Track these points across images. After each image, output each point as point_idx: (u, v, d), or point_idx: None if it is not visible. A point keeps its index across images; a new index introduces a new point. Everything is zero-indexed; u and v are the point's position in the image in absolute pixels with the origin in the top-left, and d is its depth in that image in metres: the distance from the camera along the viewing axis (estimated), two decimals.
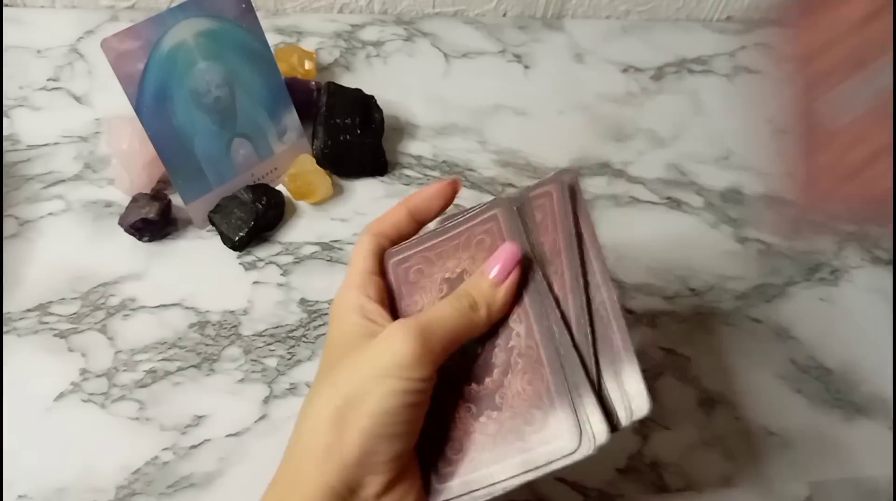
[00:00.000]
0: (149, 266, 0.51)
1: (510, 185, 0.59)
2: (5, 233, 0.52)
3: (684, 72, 0.70)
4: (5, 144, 0.56)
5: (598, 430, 0.29)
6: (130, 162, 0.52)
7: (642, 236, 0.57)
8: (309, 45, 0.67)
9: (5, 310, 0.48)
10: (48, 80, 0.61)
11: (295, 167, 0.55)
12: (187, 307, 0.49)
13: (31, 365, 0.46)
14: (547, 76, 0.68)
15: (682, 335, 0.52)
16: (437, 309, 0.32)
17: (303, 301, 0.51)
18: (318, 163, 0.56)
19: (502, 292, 0.32)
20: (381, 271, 0.36)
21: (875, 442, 0.47)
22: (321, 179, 0.55)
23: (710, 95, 0.68)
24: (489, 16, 0.73)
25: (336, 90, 0.58)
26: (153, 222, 0.51)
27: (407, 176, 0.59)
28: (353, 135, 0.56)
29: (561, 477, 0.44)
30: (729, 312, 0.53)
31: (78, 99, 0.60)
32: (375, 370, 0.30)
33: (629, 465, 0.45)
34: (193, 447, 0.44)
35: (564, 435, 0.30)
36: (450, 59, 0.68)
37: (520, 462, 0.31)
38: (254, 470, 0.43)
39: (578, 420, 0.30)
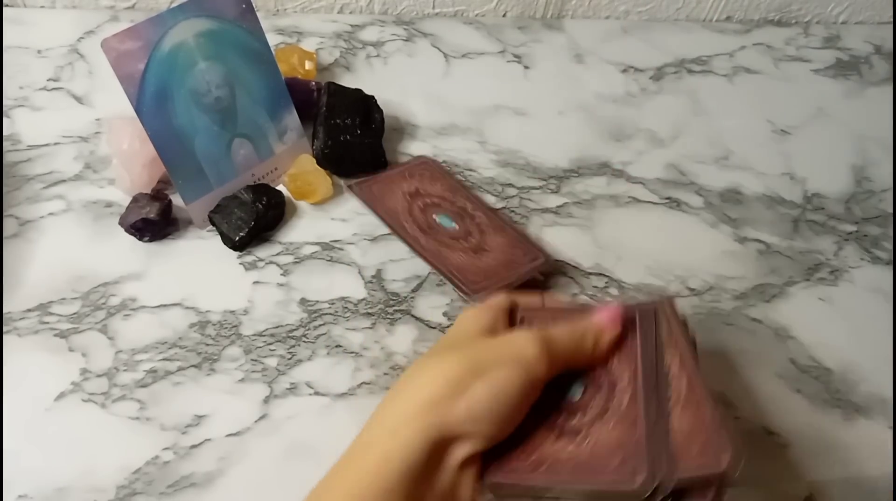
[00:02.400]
0: (149, 266, 0.51)
1: (510, 185, 0.59)
2: (6, 233, 0.52)
3: (684, 72, 0.70)
4: (6, 144, 0.57)
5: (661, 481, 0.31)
6: (131, 162, 0.52)
7: (642, 236, 0.57)
8: (309, 45, 0.67)
9: (6, 310, 0.48)
10: (49, 80, 0.61)
11: (295, 167, 0.56)
12: (188, 307, 0.49)
13: (32, 365, 0.46)
14: (547, 76, 0.68)
15: None
16: (557, 329, 0.36)
17: (303, 301, 0.51)
18: (319, 163, 0.56)
19: (608, 335, 0.37)
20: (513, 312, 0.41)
21: (875, 442, 0.47)
22: (321, 179, 0.55)
23: (710, 95, 0.68)
24: (489, 16, 0.73)
25: (336, 90, 0.58)
26: (153, 222, 0.51)
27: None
28: (354, 135, 0.56)
29: None
30: (728, 312, 0.53)
31: (78, 99, 0.60)
32: (505, 354, 0.34)
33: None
34: (194, 446, 0.44)
35: (633, 482, 0.32)
36: (450, 60, 0.68)
37: (575, 489, 0.33)
38: (254, 470, 0.43)
39: (651, 466, 0.32)
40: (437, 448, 0.31)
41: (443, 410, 0.32)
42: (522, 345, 0.34)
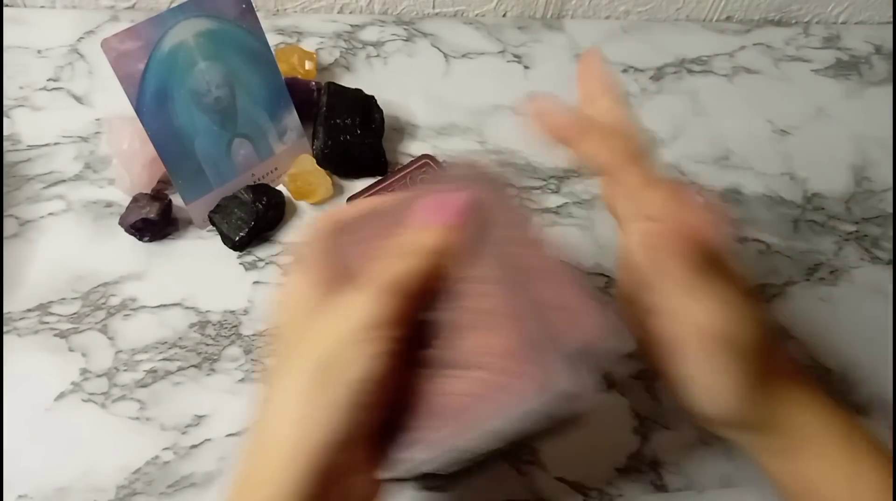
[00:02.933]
0: (149, 266, 0.51)
1: (510, 185, 0.59)
2: (6, 233, 0.52)
3: (684, 72, 0.70)
4: (6, 144, 0.57)
5: (561, 382, 0.28)
6: (131, 162, 0.52)
7: None
8: (309, 45, 0.67)
9: (6, 310, 0.48)
10: (48, 80, 0.61)
11: (295, 167, 0.56)
12: (188, 307, 0.49)
13: (32, 365, 0.46)
14: (547, 76, 0.68)
15: None
16: (385, 262, 0.30)
17: None
18: (319, 163, 0.56)
19: (443, 232, 0.31)
20: (331, 255, 0.34)
21: None
22: (321, 179, 0.55)
23: (710, 95, 0.68)
24: (489, 16, 0.73)
25: (336, 90, 0.58)
26: (153, 222, 0.51)
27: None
28: (354, 135, 0.56)
29: (560, 477, 0.44)
30: None
31: (78, 99, 0.60)
32: (345, 336, 0.27)
33: (629, 465, 0.45)
34: (194, 446, 0.44)
35: (542, 376, 0.28)
36: (450, 60, 0.68)
37: (490, 415, 0.28)
38: None
39: (553, 370, 0.28)
40: (321, 478, 0.27)
41: (307, 444, 0.27)
42: (361, 314, 0.28)
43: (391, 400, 0.30)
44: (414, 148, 0.61)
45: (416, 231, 0.31)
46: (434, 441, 0.29)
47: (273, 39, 0.66)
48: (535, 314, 0.30)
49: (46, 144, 0.57)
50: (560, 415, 0.29)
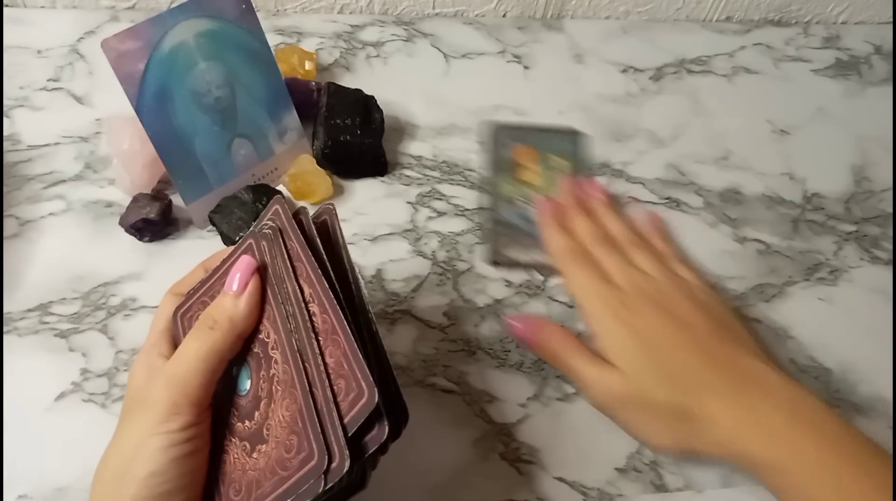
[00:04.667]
0: (149, 266, 0.51)
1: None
2: (6, 233, 0.52)
3: (684, 72, 0.70)
4: (6, 145, 0.57)
5: (342, 448, 0.28)
6: (131, 162, 0.52)
7: None
8: (309, 45, 0.67)
9: (6, 310, 0.48)
10: (48, 80, 0.61)
11: (295, 167, 0.56)
12: None
13: (32, 365, 0.46)
14: (547, 76, 0.68)
15: None
16: (182, 347, 0.31)
17: None
18: (319, 163, 0.56)
19: (244, 301, 0.32)
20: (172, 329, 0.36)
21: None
22: (321, 179, 0.55)
23: (710, 95, 0.68)
24: (489, 16, 0.73)
25: (336, 90, 0.58)
26: (154, 222, 0.51)
27: (407, 176, 0.59)
28: (353, 135, 0.56)
29: (560, 477, 0.45)
30: None
31: (78, 99, 0.60)
32: (136, 434, 0.30)
33: (629, 465, 0.45)
34: None
35: (315, 455, 0.28)
36: (450, 60, 0.68)
37: (282, 492, 0.29)
38: None
39: (326, 439, 0.28)
40: None
41: None
42: (149, 406, 0.30)
43: (216, 475, 0.31)
44: (414, 148, 0.61)
45: (227, 300, 0.32)
46: None
47: (273, 39, 0.66)
48: (321, 382, 0.30)
49: (46, 144, 0.57)
50: (338, 487, 0.29)
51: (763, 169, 0.63)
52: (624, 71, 0.69)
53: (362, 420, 0.28)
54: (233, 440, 0.32)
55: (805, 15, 0.77)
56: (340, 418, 0.29)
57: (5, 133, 0.57)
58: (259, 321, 0.32)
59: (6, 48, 0.63)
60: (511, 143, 0.60)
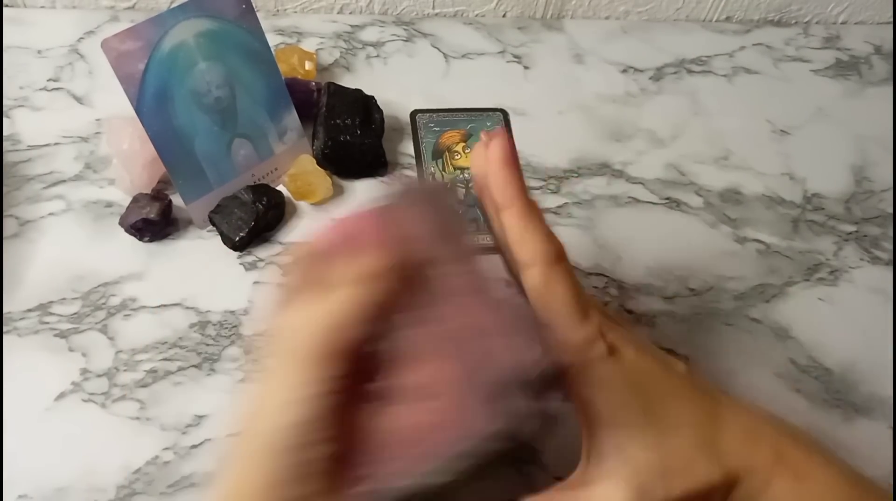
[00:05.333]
0: (149, 266, 0.51)
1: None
2: (6, 233, 0.52)
3: (683, 72, 0.70)
4: (6, 145, 0.57)
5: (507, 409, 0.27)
6: (131, 162, 0.52)
7: (641, 237, 0.57)
8: (309, 45, 0.67)
9: (6, 310, 0.48)
10: (48, 80, 0.61)
11: (295, 167, 0.56)
12: (188, 307, 0.49)
13: (32, 365, 0.46)
14: (547, 76, 0.68)
15: (681, 336, 0.52)
16: (332, 303, 0.30)
17: None
18: (319, 163, 0.56)
19: (375, 256, 0.30)
20: None
21: (875, 442, 0.47)
22: (321, 179, 0.55)
23: (710, 95, 0.68)
24: (489, 16, 0.73)
25: (336, 90, 0.58)
26: (154, 222, 0.51)
27: (407, 176, 0.59)
28: (354, 135, 0.56)
29: (560, 477, 0.44)
30: (728, 312, 0.53)
31: (78, 99, 0.60)
32: (284, 382, 0.29)
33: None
34: (194, 446, 0.44)
35: (476, 421, 0.28)
36: (450, 60, 0.68)
37: (424, 456, 0.28)
38: None
39: (479, 403, 0.28)
40: None
41: (253, 488, 0.28)
42: (295, 357, 0.29)
43: (340, 437, 0.30)
44: (413, 148, 0.61)
45: (343, 267, 0.30)
46: (387, 476, 0.29)
47: (273, 39, 0.66)
48: (473, 339, 0.29)
49: (46, 144, 0.57)
50: (521, 437, 0.28)
51: (763, 169, 0.63)
52: (624, 71, 0.70)
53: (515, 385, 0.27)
54: (360, 404, 0.31)
55: (805, 15, 0.77)
56: (503, 381, 0.28)
57: (5, 133, 0.57)
58: (405, 285, 0.31)
59: (6, 48, 0.63)
60: (439, 129, 0.60)
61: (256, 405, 0.29)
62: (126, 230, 0.52)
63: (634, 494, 0.27)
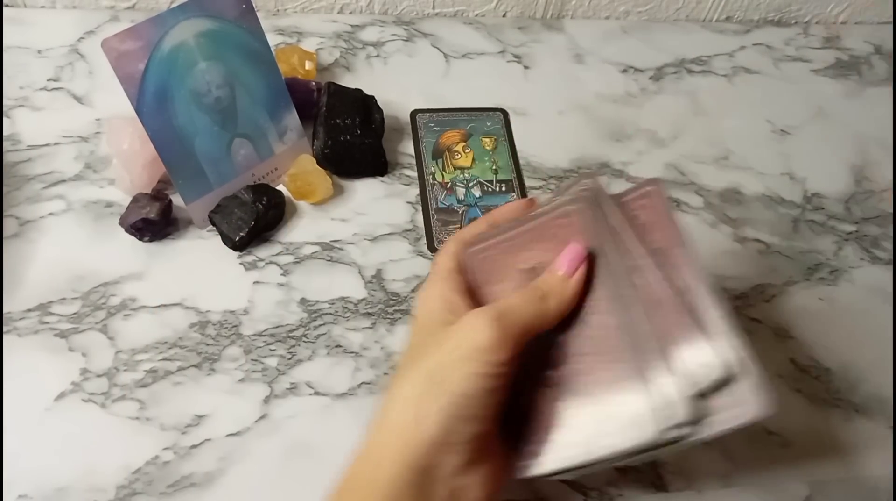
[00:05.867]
0: (149, 266, 0.51)
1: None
2: (6, 233, 0.52)
3: (683, 72, 0.70)
4: (6, 145, 0.57)
5: (670, 411, 0.30)
6: (131, 162, 0.52)
7: None
8: (309, 45, 0.67)
9: (6, 310, 0.48)
10: (49, 80, 0.61)
11: (295, 167, 0.56)
12: (188, 307, 0.49)
13: (32, 365, 0.46)
14: (547, 76, 0.68)
15: None
16: (512, 299, 0.34)
17: (303, 301, 0.51)
18: (319, 163, 0.56)
19: (571, 285, 0.34)
20: (462, 269, 0.38)
21: (875, 442, 0.47)
22: (321, 179, 0.55)
23: (710, 95, 0.68)
24: (489, 16, 0.73)
25: (336, 90, 0.58)
26: (154, 222, 0.51)
27: (407, 176, 0.59)
28: (354, 135, 0.56)
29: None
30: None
31: (78, 99, 0.60)
32: (456, 353, 0.32)
33: (629, 465, 0.45)
34: (194, 446, 0.44)
35: (641, 419, 0.31)
36: (450, 60, 0.68)
37: (600, 446, 0.32)
38: (254, 470, 0.43)
39: (652, 403, 0.31)
40: (425, 471, 0.31)
41: (415, 433, 0.31)
42: (476, 335, 0.32)
43: (516, 417, 0.34)
44: (413, 148, 0.61)
45: (557, 280, 0.34)
46: (555, 457, 0.33)
47: (273, 39, 0.66)
48: (653, 342, 0.32)
49: (46, 144, 0.57)
50: (680, 438, 0.31)
51: (763, 169, 0.63)
52: (624, 71, 0.69)
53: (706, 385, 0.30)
54: (537, 388, 0.34)
55: (805, 15, 0.77)
56: (679, 376, 0.30)
57: (5, 133, 0.57)
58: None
59: (6, 48, 0.63)
60: (439, 129, 0.60)
61: (437, 358, 0.32)
62: (126, 230, 0.52)
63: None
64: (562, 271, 0.34)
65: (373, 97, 0.59)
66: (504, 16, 0.73)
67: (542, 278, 0.35)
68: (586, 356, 0.33)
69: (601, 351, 0.33)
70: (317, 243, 0.54)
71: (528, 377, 0.34)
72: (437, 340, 0.33)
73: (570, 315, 0.34)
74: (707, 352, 0.30)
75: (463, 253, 0.38)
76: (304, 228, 0.55)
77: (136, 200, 0.52)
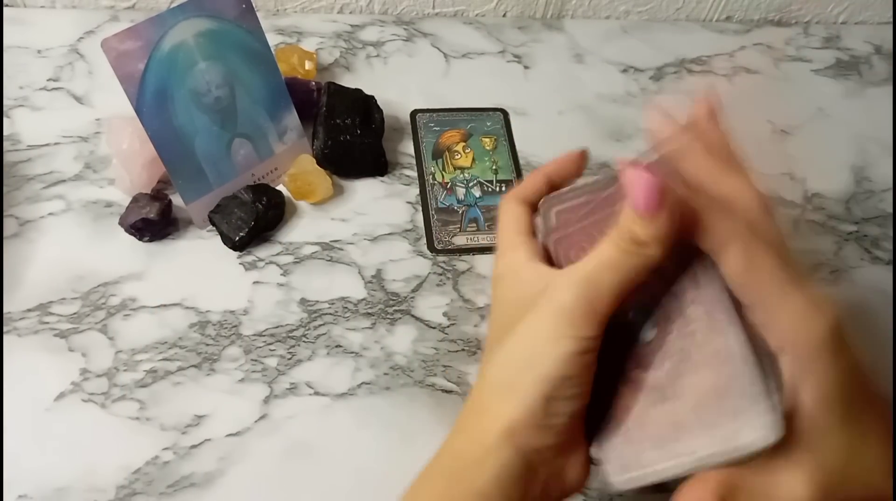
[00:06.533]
0: (149, 266, 0.51)
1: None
2: (6, 233, 0.52)
3: (684, 72, 0.70)
4: (6, 144, 0.57)
5: (768, 431, 0.26)
6: (131, 162, 0.52)
7: None
8: (309, 45, 0.67)
9: (6, 310, 0.48)
10: (48, 80, 0.61)
11: (295, 167, 0.56)
12: (188, 307, 0.49)
13: (32, 365, 0.46)
14: (547, 76, 0.68)
15: None
16: (598, 254, 0.29)
17: (303, 301, 0.51)
18: (319, 163, 0.56)
19: (662, 222, 0.28)
20: (532, 230, 0.35)
21: None
22: (321, 179, 0.55)
23: (710, 95, 0.68)
24: (489, 16, 0.73)
25: (336, 90, 0.58)
26: (153, 222, 0.51)
27: (407, 176, 0.59)
28: (353, 135, 0.56)
29: None
30: None
31: (78, 99, 0.60)
32: (545, 331, 0.29)
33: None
34: (194, 446, 0.44)
35: (755, 428, 0.26)
36: (450, 60, 0.68)
37: (692, 459, 0.28)
38: (254, 470, 0.43)
39: (755, 420, 0.27)
40: (528, 454, 0.29)
41: (515, 424, 0.29)
42: (562, 306, 0.28)
43: (588, 399, 0.31)
44: (413, 148, 0.61)
45: (634, 219, 0.28)
46: (631, 461, 0.30)
47: (273, 39, 0.66)
48: (754, 351, 0.27)
49: (46, 144, 0.57)
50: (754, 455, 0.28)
51: (763, 169, 0.63)
52: (624, 71, 0.69)
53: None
54: (627, 386, 0.31)
55: (805, 15, 0.77)
56: (779, 390, 0.26)
57: (5, 133, 0.57)
58: (674, 263, 0.30)
59: (6, 48, 0.63)
60: (439, 128, 0.60)
61: (523, 339, 0.30)
62: (126, 230, 0.52)
63: (817, 490, 0.26)
64: (643, 206, 0.27)
65: (373, 97, 0.59)
66: (504, 16, 0.73)
67: (624, 218, 0.28)
68: (687, 360, 0.29)
69: (705, 359, 0.28)
70: (317, 243, 0.54)
71: (617, 374, 0.31)
72: (525, 312, 0.30)
73: (666, 304, 0.30)
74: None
75: (528, 216, 0.35)
76: (304, 228, 0.55)
77: (135, 200, 0.52)
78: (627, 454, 0.31)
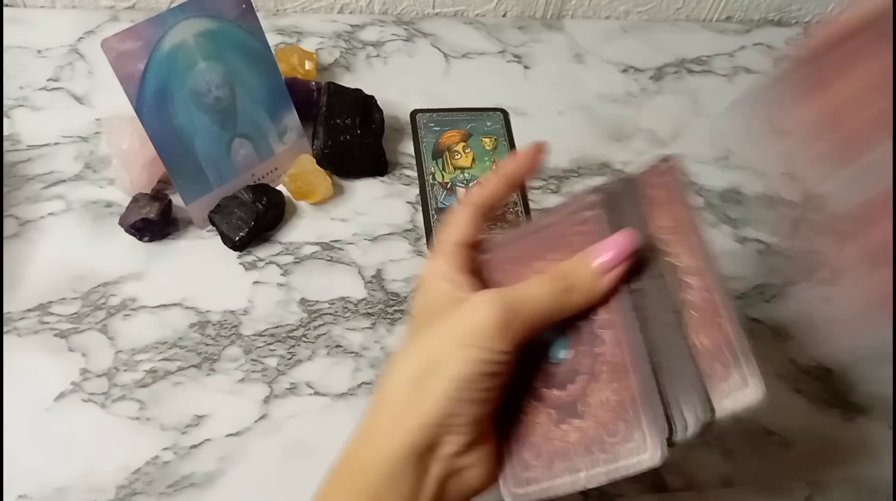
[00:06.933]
0: (149, 266, 0.51)
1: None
2: (6, 233, 0.52)
3: (684, 72, 0.70)
4: (6, 145, 0.57)
5: (654, 452, 0.28)
6: (131, 162, 0.52)
7: None
8: (309, 45, 0.67)
9: (6, 310, 0.48)
10: (48, 80, 0.61)
11: (295, 167, 0.56)
12: (188, 307, 0.49)
13: (32, 365, 0.46)
14: (547, 76, 0.68)
15: None
16: (528, 286, 0.31)
17: (303, 301, 0.51)
18: (319, 163, 0.56)
19: (604, 284, 0.30)
20: (475, 244, 0.35)
21: (875, 442, 0.47)
22: (321, 179, 0.55)
23: (710, 95, 0.68)
24: (489, 16, 0.73)
25: (336, 90, 0.58)
26: (153, 221, 0.51)
27: (407, 176, 0.59)
28: (353, 135, 0.56)
29: None
30: None
31: (78, 99, 0.60)
32: (457, 337, 0.30)
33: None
34: (194, 446, 0.44)
35: (647, 448, 0.29)
36: (450, 60, 0.68)
37: (598, 473, 0.30)
38: (254, 470, 0.43)
39: (644, 442, 0.29)
40: (423, 452, 0.30)
41: (415, 413, 0.30)
42: (479, 319, 0.30)
43: (513, 431, 0.32)
44: (413, 148, 0.61)
45: (588, 273, 0.31)
46: (544, 486, 0.31)
47: (273, 39, 0.66)
48: (654, 375, 0.29)
49: (46, 144, 0.57)
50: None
51: (763, 169, 0.63)
52: (624, 71, 0.69)
53: (738, 410, 0.27)
54: (535, 403, 0.32)
55: (805, 15, 0.77)
56: (709, 401, 0.28)
57: (5, 133, 0.57)
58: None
59: (6, 48, 0.63)
60: (439, 128, 0.60)
61: (436, 339, 0.31)
62: (126, 230, 0.52)
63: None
64: (597, 263, 0.30)
65: (373, 97, 0.59)
66: (504, 16, 0.73)
67: (570, 265, 0.31)
68: (595, 378, 0.31)
69: (612, 376, 0.30)
70: (317, 243, 0.54)
71: (528, 392, 0.33)
72: (437, 320, 0.31)
73: (579, 326, 0.32)
74: (736, 382, 0.28)
75: (477, 224, 0.35)
76: (304, 228, 0.55)
77: (135, 200, 0.52)
78: (530, 468, 0.32)
